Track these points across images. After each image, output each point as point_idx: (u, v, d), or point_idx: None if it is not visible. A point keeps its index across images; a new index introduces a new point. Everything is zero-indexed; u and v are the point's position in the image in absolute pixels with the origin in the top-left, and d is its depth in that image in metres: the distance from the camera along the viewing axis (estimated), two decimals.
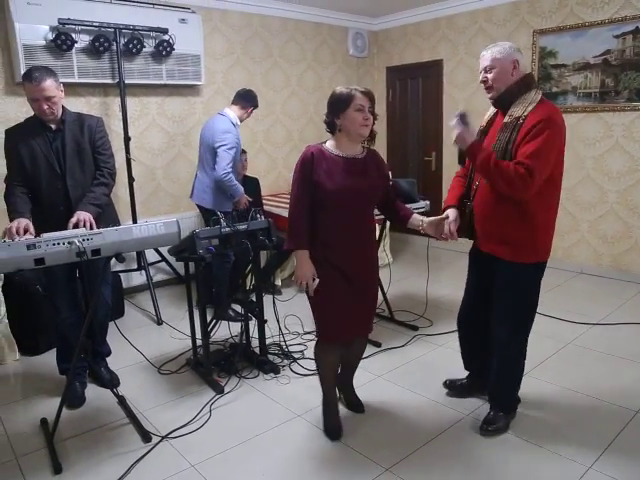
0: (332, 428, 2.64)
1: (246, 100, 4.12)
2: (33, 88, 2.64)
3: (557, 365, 3.22)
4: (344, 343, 2.63)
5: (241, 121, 4.15)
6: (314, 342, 2.66)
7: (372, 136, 2.48)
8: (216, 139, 3.92)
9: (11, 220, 2.64)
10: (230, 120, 4.01)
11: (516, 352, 2.57)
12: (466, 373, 3.00)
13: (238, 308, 4.03)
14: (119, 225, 2.73)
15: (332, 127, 2.44)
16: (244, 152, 4.53)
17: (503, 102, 2.41)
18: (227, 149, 3.89)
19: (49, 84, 2.68)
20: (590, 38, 4.74)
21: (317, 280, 2.41)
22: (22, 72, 3.93)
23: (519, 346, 2.57)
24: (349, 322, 2.52)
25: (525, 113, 2.31)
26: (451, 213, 2.57)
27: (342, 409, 2.81)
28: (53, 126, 2.80)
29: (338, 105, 2.37)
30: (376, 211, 3.32)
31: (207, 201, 4.07)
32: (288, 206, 2.47)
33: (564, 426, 2.65)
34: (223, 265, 3.98)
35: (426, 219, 2.57)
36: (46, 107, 2.69)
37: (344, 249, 2.44)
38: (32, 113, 2.87)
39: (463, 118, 2.35)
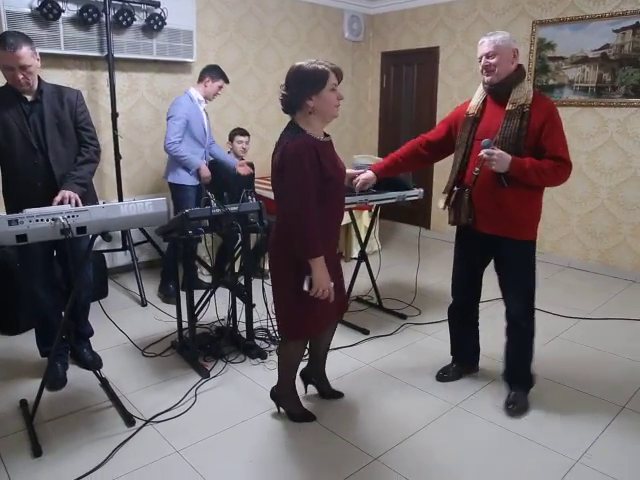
0: (303, 414, 2.60)
1: (210, 74, 4.04)
2: (7, 55, 2.46)
3: (544, 358, 3.20)
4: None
5: (209, 98, 4.10)
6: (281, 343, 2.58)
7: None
8: (167, 112, 3.98)
9: None
10: (189, 96, 4.00)
11: (532, 327, 2.68)
12: (450, 360, 3.06)
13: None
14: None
15: (295, 108, 2.18)
16: (246, 134, 4.50)
17: (501, 89, 2.47)
18: (173, 120, 3.87)
19: (25, 52, 2.49)
20: (589, 31, 4.70)
21: (332, 283, 2.25)
22: None
23: (533, 321, 2.68)
24: (329, 312, 2.42)
25: (528, 102, 2.42)
26: (368, 175, 2.81)
27: (319, 399, 2.79)
28: (29, 97, 2.63)
29: (313, 84, 2.11)
30: (367, 197, 3.31)
31: (165, 173, 4.13)
32: (293, 211, 2.16)
33: (551, 419, 2.64)
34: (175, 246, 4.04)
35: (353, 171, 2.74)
36: (21, 77, 2.52)
37: (331, 238, 2.37)
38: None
39: (490, 145, 2.39)
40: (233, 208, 2.93)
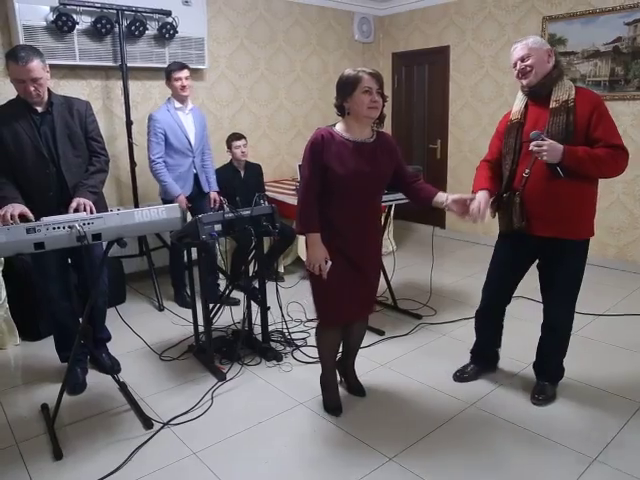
0: (333, 406, 2.69)
1: (165, 74, 3.91)
2: (19, 69, 2.51)
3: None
4: (345, 326, 2.67)
5: (181, 96, 3.85)
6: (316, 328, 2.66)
7: (381, 119, 2.45)
8: None
9: (1, 205, 2.53)
10: (166, 106, 3.88)
11: (571, 325, 2.71)
12: (467, 360, 3.05)
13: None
14: None
15: (341, 110, 2.41)
16: (241, 138, 4.35)
17: (542, 89, 2.46)
18: (150, 138, 3.82)
19: (36, 65, 2.55)
20: (600, 25, 4.66)
21: (330, 263, 2.39)
22: None
23: (573, 319, 2.70)
24: (350, 306, 2.54)
25: (572, 97, 2.40)
26: (482, 195, 2.53)
27: (343, 392, 2.83)
28: (39, 109, 2.68)
29: (345, 88, 2.35)
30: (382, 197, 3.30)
31: (159, 191, 4.04)
32: (297, 191, 2.45)
33: (568, 417, 2.63)
34: (178, 256, 4.10)
35: (451, 196, 2.50)
36: (32, 89, 2.57)
37: (351, 233, 2.43)
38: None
39: (539, 136, 2.36)
40: (246, 212, 2.96)
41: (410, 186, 2.60)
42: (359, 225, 2.45)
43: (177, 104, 3.88)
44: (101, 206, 2.87)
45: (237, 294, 3.90)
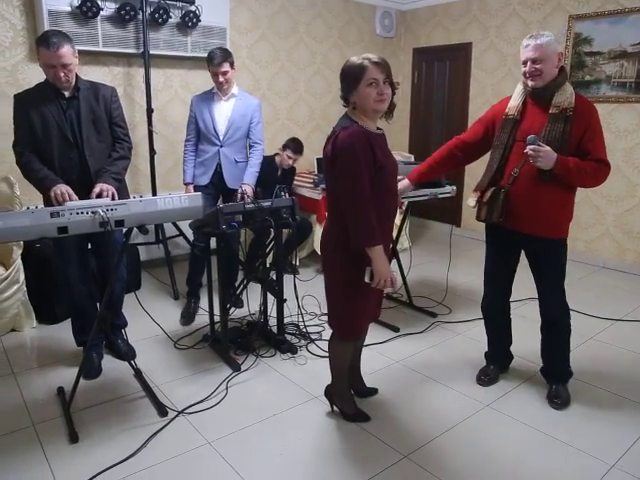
0: (358, 413, 2.59)
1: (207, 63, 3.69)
2: (50, 54, 2.54)
3: (578, 360, 3.14)
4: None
5: (220, 87, 3.67)
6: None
7: (391, 109, 2.25)
8: None
9: (46, 185, 2.60)
10: (208, 90, 3.82)
11: (568, 320, 2.72)
12: (482, 360, 3.04)
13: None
14: None
15: (347, 103, 2.24)
16: (300, 153, 4.48)
17: (545, 92, 2.47)
18: (188, 120, 3.83)
19: (66, 50, 2.57)
20: (629, 25, 4.58)
21: (394, 272, 2.24)
22: None
23: (569, 315, 2.72)
24: (373, 311, 2.49)
25: (571, 105, 2.42)
26: (404, 185, 2.81)
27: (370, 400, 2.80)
28: (66, 93, 2.70)
29: (348, 80, 2.15)
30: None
31: None
32: (347, 200, 2.14)
33: (586, 422, 2.60)
34: (193, 251, 3.95)
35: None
36: (62, 74, 2.60)
37: (385, 234, 2.30)
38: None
39: (536, 141, 2.40)
40: (266, 203, 2.95)
41: None
42: (391, 222, 2.39)
43: (215, 89, 3.74)
44: (123, 193, 2.88)
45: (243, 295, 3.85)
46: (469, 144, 2.78)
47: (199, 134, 3.78)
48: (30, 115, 2.65)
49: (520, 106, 2.55)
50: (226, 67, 3.58)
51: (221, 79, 3.60)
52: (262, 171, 4.00)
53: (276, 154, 4.50)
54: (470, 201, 2.71)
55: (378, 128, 2.27)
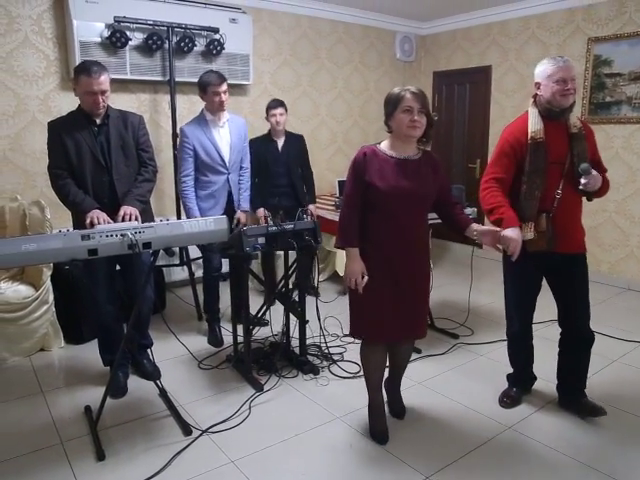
0: (379, 432, 2.62)
1: (199, 89, 3.62)
2: (92, 81, 2.68)
3: (602, 382, 3.12)
4: (389, 345, 2.64)
5: (216, 111, 3.60)
6: (353, 344, 2.65)
7: (427, 137, 2.46)
8: None
9: (84, 209, 2.70)
10: (197, 120, 3.64)
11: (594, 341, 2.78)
12: (504, 382, 3.03)
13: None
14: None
15: (388, 128, 2.47)
16: (280, 106, 4.13)
17: (565, 113, 2.58)
18: (180, 154, 3.61)
19: (105, 78, 2.74)
20: None
21: (366, 277, 2.42)
22: None
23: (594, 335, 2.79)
24: (390, 324, 2.50)
25: (580, 125, 2.61)
26: (516, 233, 2.45)
27: (396, 420, 2.80)
28: (97, 120, 2.84)
29: (388, 106, 2.41)
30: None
31: None
32: (336, 206, 2.52)
33: (611, 445, 2.57)
34: (209, 274, 3.78)
35: (479, 228, 2.52)
36: (101, 100, 2.74)
37: (393, 250, 2.44)
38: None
39: (590, 169, 2.50)
40: (289, 226, 3.01)
41: (448, 208, 2.60)
42: (402, 242, 2.44)
43: (209, 116, 3.61)
44: (148, 215, 2.98)
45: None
46: (507, 182, 2.63)
47: (198, 166, 3.60)
48: (64, 140, 2.77)
49: (542, 128, 2.56)
50: (226, 87, 3.55)
51: (223, 98, 3.52)
52: (259, 150, 4.04)
53: (269, 130, 4.26)
54: (528, 234, 2.55)
55: (425, 151, 2.52)
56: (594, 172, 2.49)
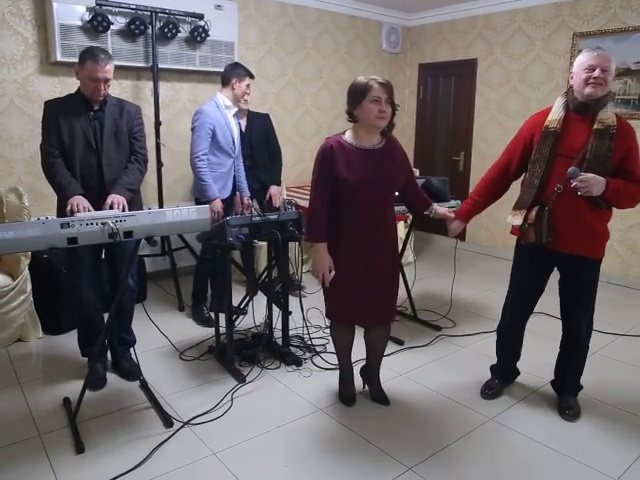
0: (346, 395, 2.84)
1: (235, 75, 3.71)
2: (98, 68, 2.66)
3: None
4: (365, 331, 2.80)
5: (237, 100, 3.77)
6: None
7: (390, 128, 2.49)
8: (191, 122, 3.72)
9: (67, 193, 2.66)
10: (215, 102, 3.70)
11: (589, 340, 2.77)
12: (486, 373, 3.04)
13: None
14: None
15: (352, 117, 2.46)
16: (247, 76, 3.80)
17: (596, 106, 2.45)
18: (197, 132, 3.62)
19: (111, 67, 2.74)
20: (633, 43, 4.62)
21: (333, 272, 2.51)
22: (58, 52, 3.99)
23: (591, 334, 2.76)
24: (356, 309, 2.62)
25: (614, 124, 2.43)
26: (456, 226, 2.89)
27: (367, 400, 2.86)
28: (95, 106, 2.81)
29: (355, 96, 2.40)
30: (404, 208, 3.32)
31: (192, 189, 4.05)
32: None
33: (590, 436, 2.60)
34: (203, 264, 3.95)
35: (436, 209, 2.84)
36: (102, 88, 2.73)
37: (360, 239, 2.51)
38: (64, 93, 2.90)
39: (577, 173, 2.38)
40: (272, 217, 2.98)
41: (412, 192, 2.75)
42: (370, 232, 2.51)
43: (227, 102, 3.72)
44: (137, 204, 2.94)
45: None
46: (508, 167, 2.70)
47: (214, 147, 3.68)
48: (58, 120, 2.74)
49: (562, 119, 2.50)
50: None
51: (249, 91, 3.82)
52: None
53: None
54: (514, 219, 2.62)
55: (388, 139, 2.53)
56: (589, 175, 2.35)
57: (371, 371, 2.89)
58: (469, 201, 2.88)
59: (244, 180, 4.00)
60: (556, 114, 2.53)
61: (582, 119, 2.47)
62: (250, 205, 3.87)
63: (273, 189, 4.24)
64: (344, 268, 2.52)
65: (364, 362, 2.94)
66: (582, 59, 2.45)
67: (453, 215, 2.87)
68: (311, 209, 2.50)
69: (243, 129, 4.10)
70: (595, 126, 2.42)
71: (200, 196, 3.68)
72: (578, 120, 2.48)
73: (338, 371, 2.91)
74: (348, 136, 2.49)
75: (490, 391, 2.95)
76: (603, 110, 2.45)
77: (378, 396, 2.86)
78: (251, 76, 3.81)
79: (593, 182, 2.35)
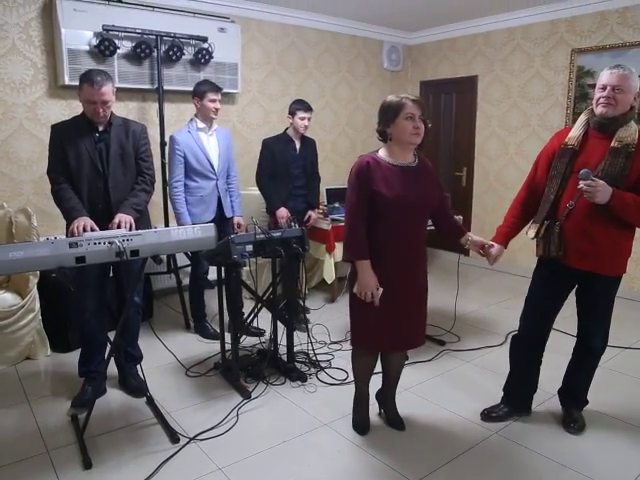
0: (359, 423, 2.74)
1: (193, 96, 3.76)
2: (94, 91, 2.70)
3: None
4: (384, 355, 2.70)
5: (208, 118, 3.75)
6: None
7: (421, 146, 2.48)
8: None
9: (71, 217, 2.72)
10: (188, 127, 3.77)
11: (602, 352, 2.76)
12: (494, 396, 2.97)
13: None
14: None
15: (384, 136, 2.43)
16: (310, 110, 4.10)
17: (611, 125, 2.43)
18: (169, 161, 3.75)
19: (108, 89, 2.75)
20: (630, 59, 4.68)
21: (381, 290, 2.39)
22: (66, 76, 4.09)
23: (605, 346, 2.75)
24: (391, 335, 2.53)
25: (634, 142, 2.38)
26: (498, 250, 2.74)
27: (381, 423, 2.83)
28: (100, 128, 2.86)
29: (388, 114, 2.38)
30: None
31: None
32: (344, 217, 2.48)
33: (595, 449, 2.61)
34: (196, 281, 4.01)
35: (472, 238, 2.70)
36: (101, 110, 2.76)
37: (398, 260, 2.43)
38: (72, 115, 2.97)
39: (589, 175, 2.35)
40: (276, 234, 3.03)
41: (446, 216, 2.67)
42: (406, 251, 2.44)
43: (200, 124, 3.75)
44: (145, 223, 2.98)
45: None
46: (539, 184, 2.67)
47: (186, 172, 3.73)
48: (64, 144, 2.80)
49: (581, 137, 2.50)
50: (220, 96, 3.76)
51: (218, 106, 3.74)
52: (279, 148, 4.02)
53: (286, 129, 4.20)
54: (529, 232, 2.66)
55: (421, 158, 2.53)
56: (599, 182, 2.32)
57: (388, 395, 2.84)
58: (506, 223, 2.81)
59: (236, 199, 4.01)
60: (576, 131, 2.54)
61: (602, 137, 2.45)
62: (240, 224, 3.95)
63: (311, 213, 4.31)
64: (385, 289, 2.40)
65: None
66: (600, 77, 2.45)
67: (491, 242, 2.74)
68: (349, 228, 2.41)
69: (298, 150, 4.17)
70: (612, 144, 2.40)
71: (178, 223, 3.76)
72: (598, 138, 2.46)
73: (354, 397, 2.80)
74: (383, 154, 2.44)
75: (489, 412, 2.87)
76: (625, 127, 2.41)
77: (394, 420, 2.81)
78: (216, 89, 3.73)
79: (600, 189, 2.32)
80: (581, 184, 2.36)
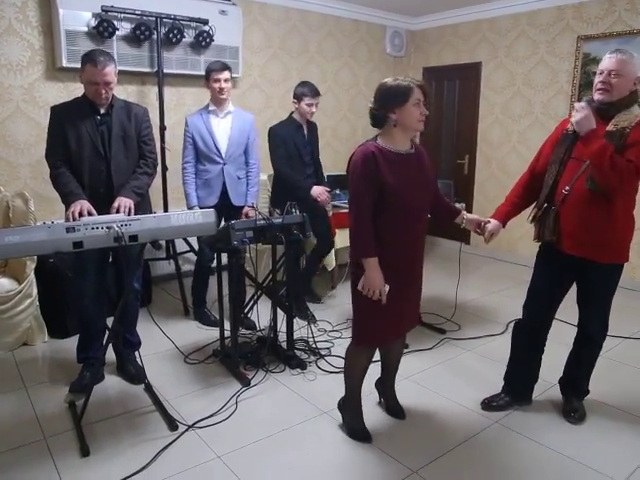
0: (359, 430, 2.59)
1: (205, 77, 3.73)
2: (96, 72, 2.64)
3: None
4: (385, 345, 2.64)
5: (217, 99, 3.68)
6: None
7: (421, 133, 2.42)
8: None
9: (68, 201, 2.66)
10: (203, 109, 3.77)
11: (603, 340, 2.73)
12: (494, 385, 2.96)
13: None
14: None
15: (381, 122, 2.29)
16: (318, 95, 3.91)
17: (609, 110, 2.39)
18: (183, 144, 3.75)
19: (111, 69, 2.70)
20: (637, 46, 4.59)
21: (387, 287, 2.28)
22: (63, 58, 4.02)
23: (605, 335, 2.72)
24: (396, 325, 2.49)
25: (631, 124, 2.34)
26: (495, 226, 2.72)
27: (382, 413, 2.81)
28: (102, 110, 2.80)
29: (395, 98, 2.22)
30: None
31: None
32: (349, 213, 2.31)
33: (595, 439, 2.60)
34: (201, 269, 3.98)
35: (468, 217, 2.67)
36: (103, 91, 2.70)
37: (402, 248, 2.36)
38: (70, 98, 2.91)
39: (586, 105, 2.32)
40: (277, 220, 2.99)
41: (439, 200, 2.60)
42: (410, 241, 2.37)
43: (211, 107, 3.72)
44: (145, 208, 2.94)
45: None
46: (541, 172, 2.65)
47: (197, 154, 3.73)
48: (64, 126, 2.74)
49: None
50: (228, 75, 3.64)
51: (223, 85, 3.60)
52: (291, 134, 3.87)
53: (292, 113, 4.03)
54: (530, 217, 2.68)
55: (415, 146, 2.40)
56: (588, 111, 2.28)
57: (387, 383, 2.81)
58: (506, 202, 2.80)
59: (252, 187, 3.86)
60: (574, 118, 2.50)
61: (602, 122, 2.38)
62: (249, 215, 3.74)
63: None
64: (391, 281, 2.31)
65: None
66: (600, 63, 2.42)
67: (487, 219, 2.72)
68: (357, 224, 2.27)
69: (306, 136, 4.03)
70: (608, 127, 2.35)
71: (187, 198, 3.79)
72: (598, 123, 2.39)
73: (345, 404, 2.66)
74: (382, 142, 2.29)
75: (490, 402, 2.86)
76: (625, 112, 2.36)
77: (394, 409, 2.78)
78: (220, 68, 3.62)
79: (587, 114, 2.29)
80: (576, 105, 2.36)
